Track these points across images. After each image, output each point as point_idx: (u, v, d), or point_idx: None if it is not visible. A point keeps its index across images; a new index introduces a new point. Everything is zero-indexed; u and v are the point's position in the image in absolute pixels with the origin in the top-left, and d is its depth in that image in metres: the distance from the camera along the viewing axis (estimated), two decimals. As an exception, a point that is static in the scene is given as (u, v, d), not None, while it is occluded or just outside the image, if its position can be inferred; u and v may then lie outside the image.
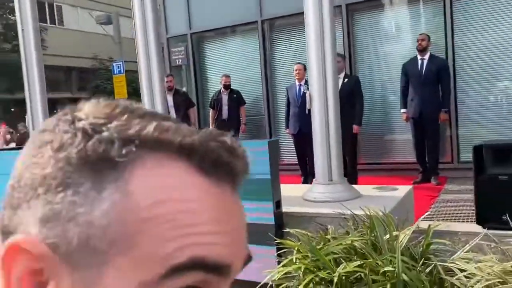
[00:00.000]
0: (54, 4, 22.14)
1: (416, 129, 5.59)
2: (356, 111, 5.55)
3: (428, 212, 4.30)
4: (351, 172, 5.76)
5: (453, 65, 5.89)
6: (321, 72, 3.42)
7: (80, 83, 24.01)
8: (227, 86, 6.97)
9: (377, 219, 2.70)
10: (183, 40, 7.95)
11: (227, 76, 7.01)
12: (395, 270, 2.27)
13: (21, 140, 8.10)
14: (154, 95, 4.21)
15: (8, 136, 7.56)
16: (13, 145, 7.44)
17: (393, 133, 6.49)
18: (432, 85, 5.38)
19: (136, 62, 4.31)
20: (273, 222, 3.02)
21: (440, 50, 5.98)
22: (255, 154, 3.04)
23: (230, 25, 7.48)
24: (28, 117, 4.98)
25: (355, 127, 5.56)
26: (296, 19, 6.17)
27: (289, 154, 7.18)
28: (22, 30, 4.88)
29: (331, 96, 3.44)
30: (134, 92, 13.55)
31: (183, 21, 7.84)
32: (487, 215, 2.98)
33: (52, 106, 18.52)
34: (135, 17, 4.23)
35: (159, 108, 4.18)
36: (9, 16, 16.74)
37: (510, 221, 2.63)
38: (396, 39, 6.34)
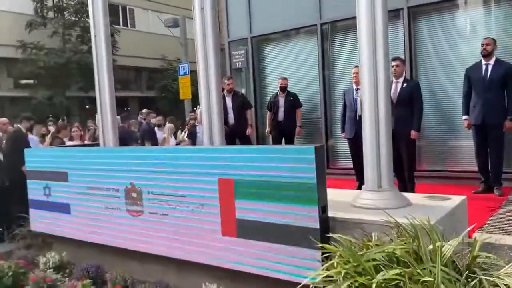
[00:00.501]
0: (127, 7, 23.40)
1: (478, 137, 5.36)
2: (415, 117, 5.43)
3: (485, 224, 4.17)
4: (409, 178, 5.65)
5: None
6: (372, 77, 3.41)
7: (149, 82, 25.18)
8: (283, 88, 7.06)
9: (421, 228, 2.69)
10: (243, 44, 8.16)
11: (284, 79, 7.11)
12: (434, 280, 2.26)
13: (92, 138, 8.70)
14: (211, 96, 4.39)
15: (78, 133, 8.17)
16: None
17: (455, 140, 6.26)
18: (496, 91, 5.14)
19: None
20: (318, 227, 3.08)
21: (509, 54, 5.69)
22: (301, 160, 3.12)
23: (290, 28, 7.57)
24: (98, 115, 5.36)
25: (413, 132, 5.43)
26: (354, 22, 6.11)
27: (345, 158, 7.15)
28: (95, 36, 5.26)
29: (382, 102, 3.42)
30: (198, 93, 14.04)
31: (244, 25, 8.06)
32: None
33: (123, 104, 19.60)
34: (196, 22, 4.44)
35: (215, 109, 4.36)
36: (87, 19, 17.91)
37: None
38: (459, 43, 6.10)
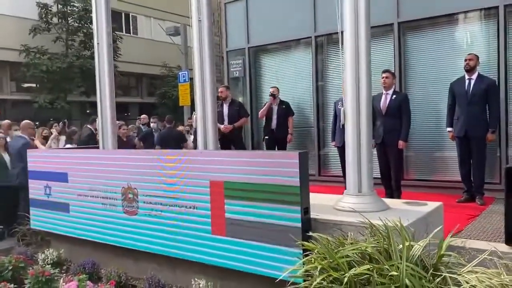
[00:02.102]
0: (130, 14, 23.76)
1: (461, 148, 5.60)
2: (403, 127, 5.67)
3: (462, 230, 4.39)
4: (396, 187, 5.89)
5: (506, 84, 5.85)
6: (355, 90, 3.65)
7: (149, 89, 25.46)
8: (273, 95, 7.32)
9: (394, 229, 2.92)
10: (241, 54, 8.43)
11: (274, 87, 7.42)
12: (400, 275, 2.49)
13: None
14: (205, 104, 4.63)
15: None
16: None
17: (441, 151, 6.50)
18: (478, 105, 5.39)
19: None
20: (300, 226, 3.31)
21: (493, 69, 5.96)
22: (286, 164, 3.36)
23: (285, 40, 7.86)
24: (98, 119, 5.60)
25: (401, 142, 5.67)
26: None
27: (335, 166, 7.39)
28: (98, 43, 5.52)
29: (364, 113, 3.66)
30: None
31: (242, 36, 8.34)
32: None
33: (124, 109, 19.75)
34: (193, 33, 4.70)
35: (209, 115, 4.61)
36: (90, 26, 18.22)
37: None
38: (447, 57, 6.37)
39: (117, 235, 4.61)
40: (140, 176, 4.37)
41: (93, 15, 5.58)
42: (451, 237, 2.96)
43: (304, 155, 3.41)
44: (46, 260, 4.88)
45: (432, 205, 3.77)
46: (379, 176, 6.00)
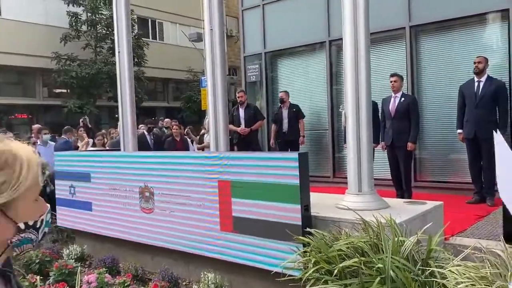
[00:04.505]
0: (156, 21, 24.38)
1: (471, 150, 5.66)
2: (411, 129, 5.77)
3: (466, 229, 4.48)
4: (406, 187, 5.99)
5: (516, 86, 5.87)
6: (355, 92, 3.83)
7: (175, 93, 26.02)
8: (282, 101, 7.56)
9: (386, 225, 3.08)
10: (258, 59, 8.67)
11: (283, 92, 7.68)
12: (385, 267, 2.66)
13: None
14: (217, 108, 4.89)
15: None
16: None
17: (452, 153, 6.54)
18: (487, 107, 5.44)
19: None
20: (300, 223, 3.51)
21: (504, 71, 5.99)
22: (287, 165, 3.57)
23: (300, 45, 8.05)
24: (119, 124, 5.94)
25: (409, 144, 5.77)
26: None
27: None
28: (119, 52, 5.86)
29: (364, 116, 3.83)
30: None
31: (258, 41, 8.58)
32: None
33: (151, 113, 20.15)
34: (205, 42, 4.97)
35: (221, 119, 4.86)
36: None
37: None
38: (458, 60, 6.42)
39: (135, 232, 4.91)
40: (155, 177, 4.65)
41: (114, 24, 5.92)
42: (442, 235, 3.11)
43: (304, 157, 3.61)
44: (70, 255, 5.22)
45: (431, 204, 3.90)
46: (391, 178, 6.12)
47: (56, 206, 5.91)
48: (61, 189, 5.83)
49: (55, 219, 5.98)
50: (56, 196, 5.90)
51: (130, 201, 4.94)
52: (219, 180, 4.04)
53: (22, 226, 0.95)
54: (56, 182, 5.92)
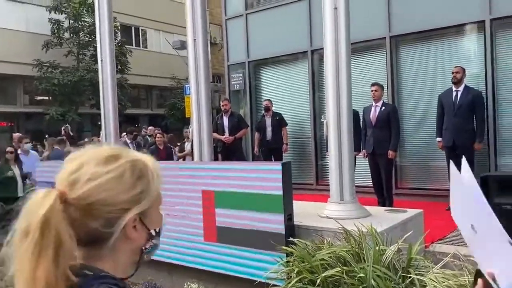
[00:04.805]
0: (140, 28, 24.31)
1: (450, 157, 5.76)
2: (392, 137, 5.87)
3: (446, 236, 4.58)
4: (387, 195, 6.08)
5: (493, 95, 6.03)
6: (336, 100, 3.89)
7: (159, 100, 25.92)
8: (267, 109, 7.60)
9: (368, 234, 3.14)
10: (241, 68, 8.73)
11: (267, 100, 7.74)
12: (366, 276, 2.71)
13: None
14: (201, 118, 4.91)
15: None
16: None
17: (433, 160, 6.67)
18: (465, 116, 5.58)
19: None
20: (283, 232, 3.54)
21: (481, 81, 6.15)
22: (270, 175, 3.61)
23: (283, 54, 8.14)
24: (102, 133, 5.92)
25: (390, 152, 5.86)
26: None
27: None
28: (101, 61, 5.85)
29: (345, 125, 3.89)
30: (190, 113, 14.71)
31: (242, 51, 8.64)
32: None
33: (135, 120, 19.97)
34: (189, 52, 5.00)
35: (205, 129, 4.88)
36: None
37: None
38: (437, 70, 6.57)
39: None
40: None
41: (97, 33, 5.92)
42: (422, 243, 3.18)
43: (287, 166, 3.65)
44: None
45: (411, 212, 3.98)
46: (372, 185, 6.20)
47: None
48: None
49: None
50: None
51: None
52: (203, 190, 4.06)
53: (153, 232, 0.99)
54: (38, 192, 5.83)
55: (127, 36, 22.95)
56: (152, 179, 0.96)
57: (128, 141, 9.22)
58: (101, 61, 5.90)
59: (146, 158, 0.99)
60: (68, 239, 0.81)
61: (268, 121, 7.62)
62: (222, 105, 7.66)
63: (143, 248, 0.98)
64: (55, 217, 0.81)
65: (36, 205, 0.81)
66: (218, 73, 24.04)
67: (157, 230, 1.01)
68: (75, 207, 0.85)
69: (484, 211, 0.82)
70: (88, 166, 0.90)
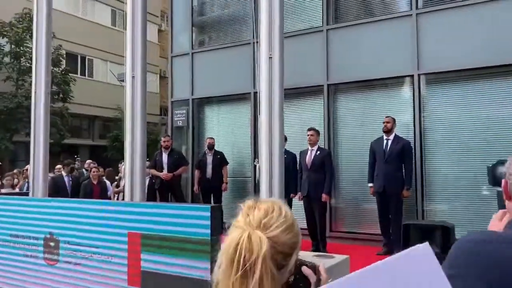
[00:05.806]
0: (86, 57, 23.86)
1: (380, 203, 5.99)
2: (326, 181, 6.03)
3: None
4: (321, 238, 6.16)
5: (421, 144, 6.39)
6: (268, 146, 3.96)
7: (102, 131, 25.23)
8: (211, 146, 7.60)
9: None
10: (185, 104, 8.73)
11: (211, 138, 7.73)
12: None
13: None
14: (135, 157, 4.79)
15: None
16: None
17: (366, 205, 6.88)
18: (395, 163, 5.85)
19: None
20: (210, 279, 3.45)
21: (410, 131, 6.52)
22: (198, 217, 3.54)
23: (226, 94, 8.25)
24: (30, 165, 5.61)
25: (324, 195, 6.00)
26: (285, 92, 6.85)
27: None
28: (35, 92, 5.61)
29: (277, 169, 3.95)
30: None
31: (186, 88, 8.68)
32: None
33: (74, 151, 19.19)
34: (126, 89, 4.93)
35: (137, 167, 4.75)
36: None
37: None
38: (370, 118, 6.91)
39: (36, 285, 4.55)
40: (62, 225, 4.40)
41: (33, 63, 5.70)
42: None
43: (217, 209, 3.61)
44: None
45: (338, 258, 4.03)
46: (307, 228, 6.27)
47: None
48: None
49: None
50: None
51: (32, 252, 4.61)
52: (129, 232, 3.91)
53: None
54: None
55: (73, 64, 22.41)
56: None
57: (64, 174, 8.80)
58: (35, 92, 5.66)
59: None
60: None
61: (210, 159, 7.60)
62: (163, 141, 7.56)
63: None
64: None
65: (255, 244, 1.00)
66: (166, 107, 23.90)
67: None
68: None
69: None
70: None
